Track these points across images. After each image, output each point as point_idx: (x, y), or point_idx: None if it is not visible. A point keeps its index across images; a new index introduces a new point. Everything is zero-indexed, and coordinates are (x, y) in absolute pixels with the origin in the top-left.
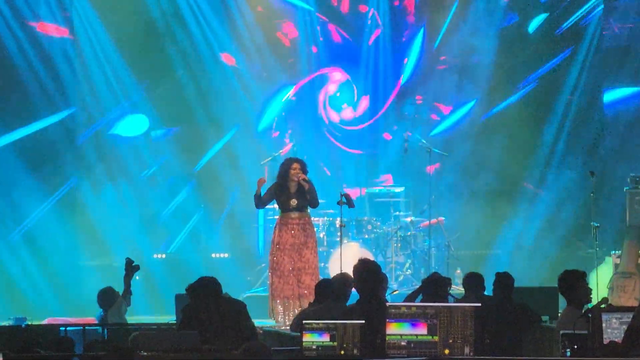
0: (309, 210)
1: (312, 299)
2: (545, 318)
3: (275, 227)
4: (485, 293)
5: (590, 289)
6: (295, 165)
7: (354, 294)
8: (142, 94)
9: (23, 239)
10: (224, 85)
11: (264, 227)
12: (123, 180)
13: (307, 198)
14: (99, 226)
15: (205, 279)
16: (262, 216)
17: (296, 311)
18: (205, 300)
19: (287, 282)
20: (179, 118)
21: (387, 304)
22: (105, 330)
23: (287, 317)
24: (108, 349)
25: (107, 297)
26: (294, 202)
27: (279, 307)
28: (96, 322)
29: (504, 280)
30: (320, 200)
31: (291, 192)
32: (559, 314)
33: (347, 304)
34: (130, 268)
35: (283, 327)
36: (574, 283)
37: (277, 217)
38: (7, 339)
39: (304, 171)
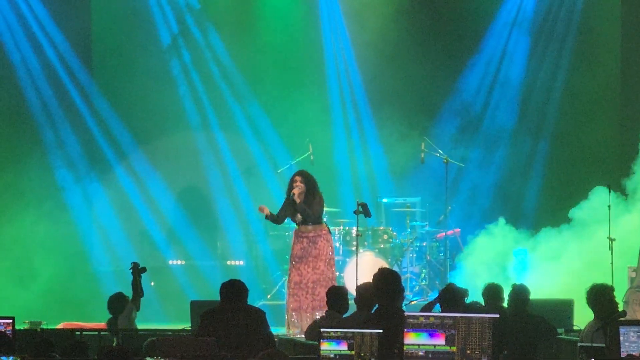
0: (325, 222)
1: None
2: (559, 330)
3: (292, 238)
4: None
5: (618, 304)
6: (296, 178)
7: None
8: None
9: (40, 242)
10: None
11: (280, 236)
12: (139, 185)
13: (309, 212)
14: (115, 231)
15: (238, 282)
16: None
17: (303, 323)
18: (233, 303)
19: (294, 294)
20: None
21: (405, 313)
22: (118, 335)
23: (294, 328)
24: (115, 354)
25: (117, 303)
26: (298, 217)
27: (287, 318)
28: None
29: (519, 292)
30: (335, 209)
31: (296, 205)
32: (575, 327)
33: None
34: (137, 271)
35: (298, 336)
36: (601, 297)
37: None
38: (23, 342)
39: (307, 183)
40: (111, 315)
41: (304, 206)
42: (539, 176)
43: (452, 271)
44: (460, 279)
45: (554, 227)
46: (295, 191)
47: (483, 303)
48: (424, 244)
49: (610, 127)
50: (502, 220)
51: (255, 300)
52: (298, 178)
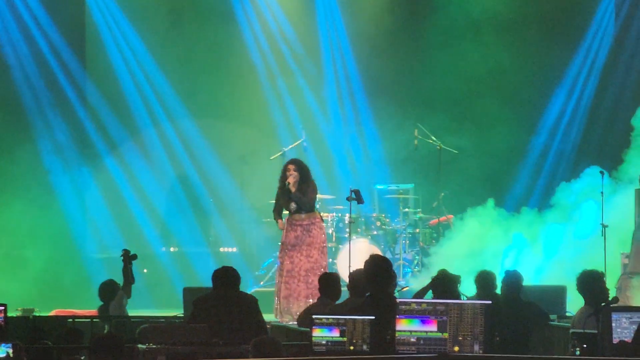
0: (317, 209)
1: None
2: (552, 317)
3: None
4: (497, 291)
5: (608, 290)
6: (289, 166)
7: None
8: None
9: (30, 230)
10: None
11: (273, 223)
12: (132, 173)
13: (304, 201)
14: (106, 219)
15: (230, 269)
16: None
17: (295, 311)
18: (225, 290)
19: (285, 282)
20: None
21: (397, 300)
22: (110, 322)
23: (286, 316)
24: (106, 341)
25: (108, 290)
26: (293, 205)
27: (276, 306)
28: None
29: (512, 278)
30: (329, 196)
31: (290, 195)
32: (568, 313)
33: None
34: (128, 258)
35: (290, 323)
36: (592, 283)
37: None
38: (15, 330)
39: (301, 171)
40: (102, 303)
41: (299, 195)
42: (530, 164)
43: (426, 257)
44: (440, 263)
45: (542, 211)
46: (290, 180)
47: (475, 289)
48: (417, 230)
49: (602, 116)
50: (490, 202)
51: (248, 287)
52: (291, 167)
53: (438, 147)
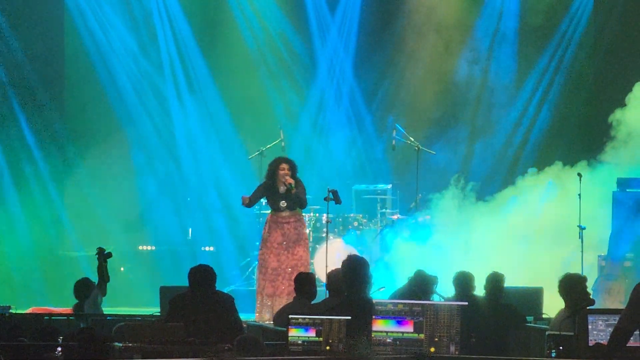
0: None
1: None
2: (529, 318)
3: (265, 224)
4: (475, 292)
5: (589, 294)
6: (283, 165)
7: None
8: None
9: (6, 226)
10: None
11: (251, 222)
12: (111, 170)
13: (303, 199)
14: (87, 217)
15: (206, 267)
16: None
17: (277, 308)
18: (201, 289)
19: (271, 280)
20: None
21: (374, 300)
22: (86, 320)
23: (267, 314)
24: (82, 339)
25: (83, 288)
26: (283, 203)
27: (258, 304)
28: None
29: (496, 280)
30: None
31: (280, 192)
32: (545, 315)
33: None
34: (102, 257)
35: (267, 322)
36: (573, 286)
37: (268, 212)
38: None
39: (293, 172)
40: (77, 301)
41: (300, 194)
42: (511, 164)
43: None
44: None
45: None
46: (291, 180)
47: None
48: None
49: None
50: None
51: (226, 286)
52: (285, 165)
53: (416, 148)
